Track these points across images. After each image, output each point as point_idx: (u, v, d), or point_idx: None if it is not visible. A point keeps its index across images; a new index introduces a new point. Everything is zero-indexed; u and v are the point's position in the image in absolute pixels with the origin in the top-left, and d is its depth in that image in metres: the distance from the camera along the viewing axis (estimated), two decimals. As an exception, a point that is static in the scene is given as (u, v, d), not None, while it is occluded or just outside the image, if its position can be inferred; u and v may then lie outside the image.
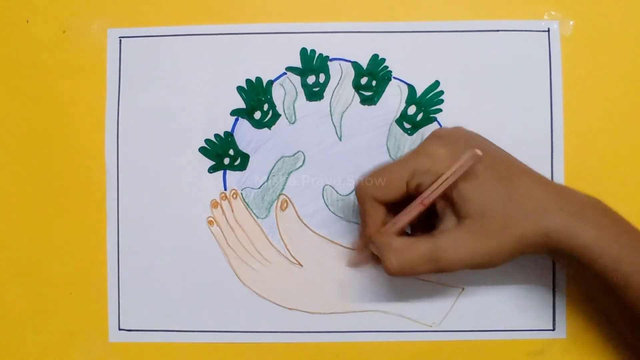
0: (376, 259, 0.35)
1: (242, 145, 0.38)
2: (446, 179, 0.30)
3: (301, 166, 0.38)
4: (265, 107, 0.38)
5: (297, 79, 0.38)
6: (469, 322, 0.38)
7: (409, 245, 0.31)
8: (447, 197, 0.31)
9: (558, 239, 0.30)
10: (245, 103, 0.38)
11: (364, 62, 0.38)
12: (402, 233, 0.33)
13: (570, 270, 0.37)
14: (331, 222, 0.38)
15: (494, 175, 0.31)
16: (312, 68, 0.38)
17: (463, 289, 0.38)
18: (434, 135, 0.33)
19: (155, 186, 0.38)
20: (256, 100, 0.38)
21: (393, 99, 0.38)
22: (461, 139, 0.32)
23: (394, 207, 0.33)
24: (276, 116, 0.38)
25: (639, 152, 0.38)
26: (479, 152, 0.29)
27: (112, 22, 0.39)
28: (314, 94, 0.38)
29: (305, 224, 0.38)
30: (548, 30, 0.38)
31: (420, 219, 0.33)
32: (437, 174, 0.30)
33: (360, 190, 0.33)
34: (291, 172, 0.38)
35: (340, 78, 0.38)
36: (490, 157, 0.31)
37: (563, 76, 0.38)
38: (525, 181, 0.31)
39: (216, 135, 0.38)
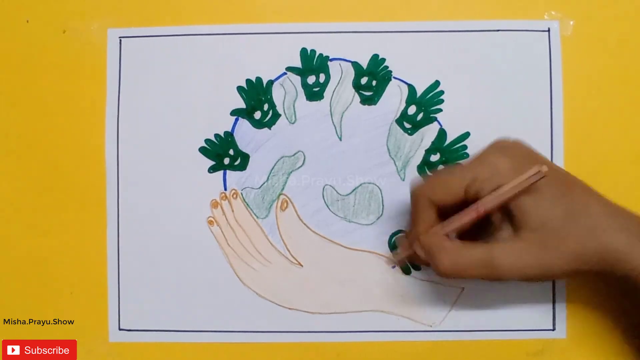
0: (418, 260, 0.35)
1: (242, 145, 0.38)
2: (507, 191, 0.30)
3: (301, 166, 0.38)
4: (266, 107, 0.38)
5: (297, 79, 0.38)
6: (469, 322, 0.38)
7: (462, 248, 0.31)
8: (504, 208, 0.31)
9: (615, 258, 0.29)
10: (245, 103, 0.38)
11: (364, 62, 0.38)
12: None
13: (621, 292, 0.36)
14: (331, 222, 0.38)
15: (556, 191, 0.31)
16: (312, 68, 0.38)
17: (463, 289, 0.38)
18: (496, 145, 0.33)
19: (155, 186, 0.38)
20: (256, 100, 0.38)
21: (393, 99, 0.38)
22: (522, 152, 0.32)
23: (444, 214, 0.33)
24: (276, 116, 0.38)
25: (639, 151, 0.38)
26: (545, 168, 0.29)
27: (112, 22, 0.39)
28: (314, 94, 0.38)
29: (305, 224, 0.38)
30: (548, 30, 0.38)
31: (469, 229, 0.32)
32: (496, 184, 0.30)
33: (416, 189, 0.33)
34: (291, 172, 0.38)
35: (341, 78, 0.38)
36: (552, 172, 0.30)
37: (563, 76, 0.38)
38: (586, 198, 0.31)
39: (216, 135, 0.38)
